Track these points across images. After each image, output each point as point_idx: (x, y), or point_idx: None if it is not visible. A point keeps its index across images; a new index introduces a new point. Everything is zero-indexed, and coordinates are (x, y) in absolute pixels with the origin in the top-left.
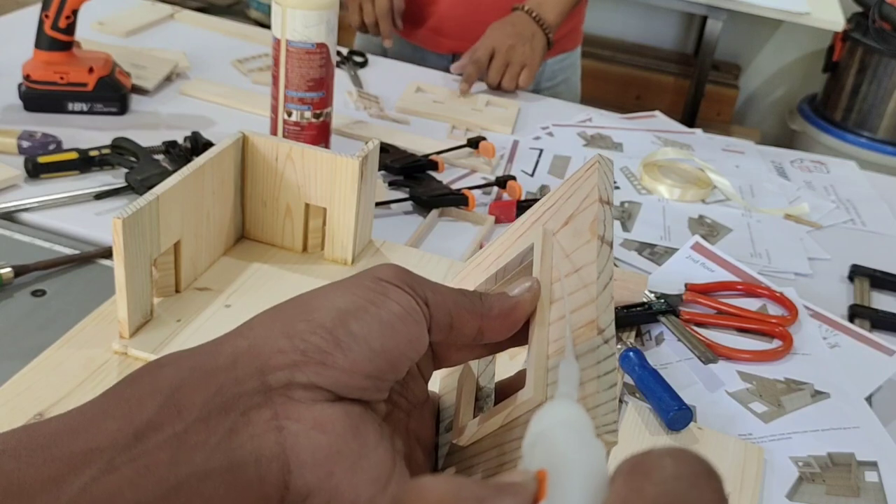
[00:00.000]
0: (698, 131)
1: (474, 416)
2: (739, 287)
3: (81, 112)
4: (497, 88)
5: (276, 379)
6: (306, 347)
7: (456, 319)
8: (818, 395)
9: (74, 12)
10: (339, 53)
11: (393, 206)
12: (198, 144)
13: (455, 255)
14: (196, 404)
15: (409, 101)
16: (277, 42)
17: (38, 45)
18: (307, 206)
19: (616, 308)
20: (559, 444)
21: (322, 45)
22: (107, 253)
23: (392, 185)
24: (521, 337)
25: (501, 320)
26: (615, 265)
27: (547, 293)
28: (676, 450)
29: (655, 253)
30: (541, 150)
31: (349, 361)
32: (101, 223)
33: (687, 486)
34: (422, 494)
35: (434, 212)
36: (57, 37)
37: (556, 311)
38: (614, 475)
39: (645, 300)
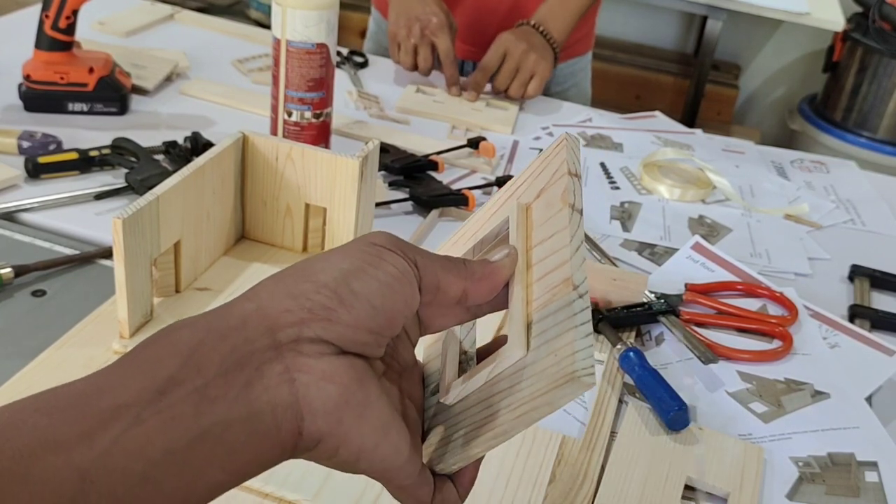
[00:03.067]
0: (698, 131)
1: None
2: (739, 287)
3: (81, 112)
4: (503, 93)
5: (285, 335)
6: (312, 305)
7: (443, 281)
8: (818, 395)
9: (75, 12)
10: (339, 53)
11: (393, 206)
12: (198, 144)
13: None
14: (214, 362)
15: (409, 101)
16: (277, 42)
17: (38, 45)
18: (307, 206)
19: (616, 308)
20: None
21: (322, 45)
22: (107, 253)
23: (392, 185)
24: (499, 302)
25: (484, 283)
26: (615, 265)
27: (524, 259)
28: None
29: (655, 253)
30: (540, 150)
31: (352, 317)
32: (102, 223)
33: None
34: None
35: (434, 212)
36: (57, 37)
37: (533, 275)
38: None
39: (645, 300)
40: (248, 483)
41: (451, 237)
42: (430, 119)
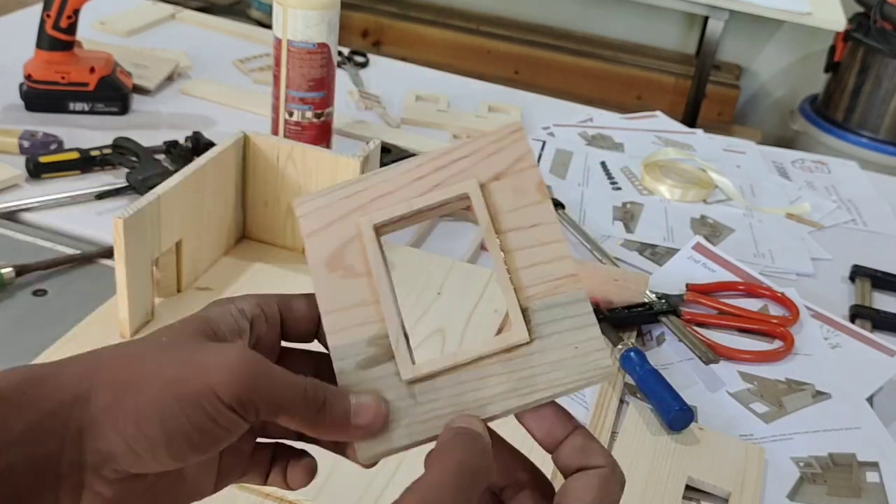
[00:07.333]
0: (699, 131)
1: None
2: (740, 287)
3: (83, 112)
4: None
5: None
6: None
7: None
8: (819, 395)
9: (76, 12)
10: (340, 53)
11: None
12: (199, 144)
13: (456, 255)
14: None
15: (412, 111)
16: (278, 42)
17: (39, 44)
18: None
19: (617, 308)
20: None
21: (323, 45)
22: (108, 253)
23: None
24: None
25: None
26: (616, 265)
27: (494, 241)
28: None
29: (656, 253)
30: (543, 143)
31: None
32: (103, 223)
33: None
34: None
35: None
36: (58, 36)
37: (516, 261)
38: None
39: (646, 300)
40: (247, 483)
41: (376, 175)
42: (435, 129)
